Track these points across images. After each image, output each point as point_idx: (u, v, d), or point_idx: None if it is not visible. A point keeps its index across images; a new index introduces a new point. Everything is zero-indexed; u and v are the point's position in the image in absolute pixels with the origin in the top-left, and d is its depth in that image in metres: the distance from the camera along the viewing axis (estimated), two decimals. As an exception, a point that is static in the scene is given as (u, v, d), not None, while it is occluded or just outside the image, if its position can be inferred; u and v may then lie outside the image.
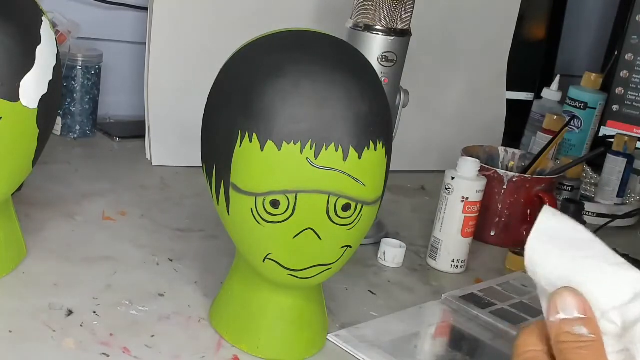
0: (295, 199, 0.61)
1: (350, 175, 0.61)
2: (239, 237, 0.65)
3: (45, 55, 0.69)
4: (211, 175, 0.65)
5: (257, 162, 0.60)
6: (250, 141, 0.60)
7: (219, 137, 0.63)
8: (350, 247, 0.65)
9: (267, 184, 0.60)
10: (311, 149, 0.59)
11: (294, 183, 0.60)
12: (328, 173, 0.60)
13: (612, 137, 1.31)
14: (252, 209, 0.61)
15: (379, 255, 0.94)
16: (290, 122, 0.59)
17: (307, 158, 0.60)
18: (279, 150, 0.60)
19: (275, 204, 0.61)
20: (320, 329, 0.73)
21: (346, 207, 0.62)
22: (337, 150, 0.60)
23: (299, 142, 0.59)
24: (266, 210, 0.61)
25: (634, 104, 1.51)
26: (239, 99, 0.62)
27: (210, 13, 1.16)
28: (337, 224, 0.63)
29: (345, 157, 0.60)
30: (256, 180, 0.61)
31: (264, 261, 0.64)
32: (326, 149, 0.60)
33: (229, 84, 0.64)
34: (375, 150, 0.62)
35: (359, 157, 0.61)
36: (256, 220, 0.62)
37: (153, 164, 1.14)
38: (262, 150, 0.60)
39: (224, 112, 0.63)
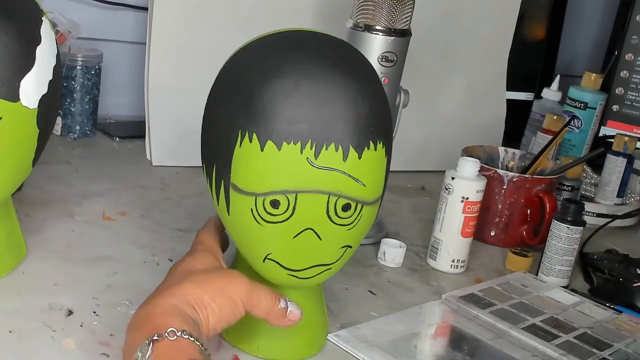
0: (295, 199, 0.61)
1: (350, 175, 0.61)
2: (239, 237, 0.65)
3: (45, 55, 0.69)
4: (211, 175, 0.65)
5: (257, 162, 0.60)
6: (250, 141, 0.60)
7: (219, 137, 0.63)
8: (350, 247, 0.65)
9: (267, 184, 0.60)
10: (311, 149, 0.59)
11: (294, 183, 0.60)
12: (328, 173, 0.60)
13: (612, 137, 1.31)
14: (252, 209, 0.61)
15: (379, 255, 0.94)
16: (290, 122, 0.59)
17: (307, 158, 0.60)
18: (279, 150, 0.60)
19: (275, 204, 0.61)
20: (320, 329, 0.73)
21: (346, 207, 0.62)
22: (337, 150, 0.60)
23: (299, 142, 0.59)
24: (266, 210, 0.61)
25: (634, 104, 1.51)
26: (238, 99, 0.62)
27: (210, 13, 1.16)
28: (337, 224, 0.63)
29: (345, 157, 0.60)
30: (256, 180, 0.61)
31: (264, 261, 0.64)
32: (326, 149, 0.60)
33: (228, 84, 0.64)
34: (375, 150, 0.62)
35: (359, 157, 0.61)
36: (256, 220, 0.62)
37: (153, 164, 1.14)
38: (262, 150, 0.60)
39: (224, 112, 0.63)
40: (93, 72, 1.19)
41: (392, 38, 0.90)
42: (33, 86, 0.67)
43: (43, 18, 0.70)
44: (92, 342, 0.67)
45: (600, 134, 1.49)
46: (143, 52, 1.16)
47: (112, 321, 0.70)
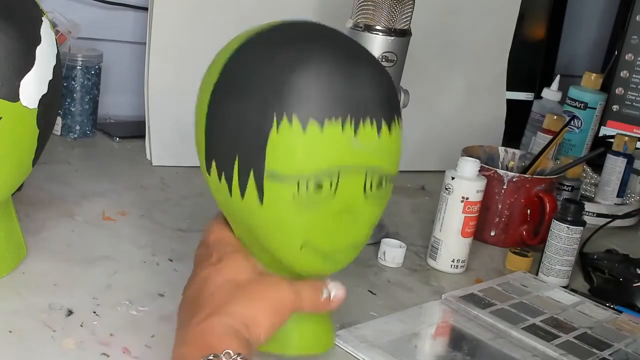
0: (338, 177, 0.60)
1: (384, 151, 0.62)
2: (271, 228, 0.63)
3: (45, 55, 0.69)
4: (230, 170, 0.62)
5: (299, 144, 0.59)
6: (290, 123, 0.59)
7: (242, 127, 0.61)
8: (374, 225, 0.67)
9: (312, 165, 0.60)
10: (351, 125, 0.60)
11: (337, 160, 0.60)
12: (366, 148, 0.61)
13: (612, 137, 1.31)
14: (294, 194, 0.60)
15: (379, 255, 0.94)
16: (329, 100, 0.59)
17: (348, 135, 0.60)
18: (322, 128, 0.59)
19: (319, 184, 0.60)
20: (331, 324, 0.72)
21: (380, 183, 0.63)
22: (372, 125, 0.61)
23: (340, 119, 0.59)
24: (310, 193, 0.60)
25: (634, 104, 1.51)
26: (267, 85, 0.60)
27: (210, 13, 1.16)
28: (371, 200, 0.63)
29: (379, 132, 0.61)
30: (300, 162, 0.60)
31: (301, 249, 0.63)
32: (363, 125, 0.60)
33: (246, 73, 0.63)
34: (398, 125, 0.64)
35: (389, 132, 0.62)
36: (297, 205, 0.60)
37: (153, 164, 1.14)
38: (304, 131, 0.59)
39: (246, 101, 0.61)
40: (93, 72, 1.19)
41: (392, 38, 0.90)
42: (33, 86, 0.67)
43: (43, 18, 0.70)
44: (92, 342, 0.67)
45: (600, 134, 1.49)
46: (143, 52, 1.16)
47: (112, 321, 0.70)
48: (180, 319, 0.65)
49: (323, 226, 0.62)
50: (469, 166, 0.93)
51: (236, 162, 0.62)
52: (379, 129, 0.61)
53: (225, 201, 0.65)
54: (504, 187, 1.04)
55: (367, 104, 0.61)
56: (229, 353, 0.56)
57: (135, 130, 1.22)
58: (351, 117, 0.60)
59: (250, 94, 0.61)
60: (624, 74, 1.51)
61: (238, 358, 0.56)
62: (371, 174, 0.62)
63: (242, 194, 0.62)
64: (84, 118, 1.20)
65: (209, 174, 0.65)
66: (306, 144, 0.59)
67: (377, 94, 0.61)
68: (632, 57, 1.50)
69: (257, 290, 0.63)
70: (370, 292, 0.86)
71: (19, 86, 0.66)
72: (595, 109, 1.40)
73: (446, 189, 0.93)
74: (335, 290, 0.66)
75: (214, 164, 0.64)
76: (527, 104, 1.53)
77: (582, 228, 0.95)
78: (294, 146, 0.59)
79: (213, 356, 0.55)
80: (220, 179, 0.64)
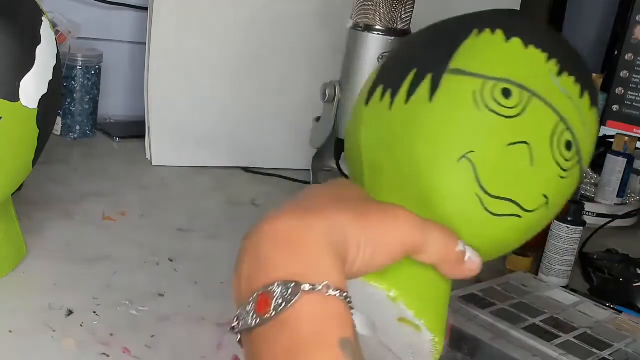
0: (528, 101, 0.56)
1: (582, 117, 0.58)
2: (432, 130, 0.56)
3: (45, 55, 0.69)
4: (399, 83, 0.58)
5: (498, 50, 0.57)
6: (493, 33, 0.57)
7: (430, 42, 0.62)
8: (548, 203, 0.59)
9: (505, 71, 0.56)
10: (555, 65, 0.57)
11: (532, 82, 0.56)
12: (565, 96, 0.57)
13: (612, 137, 1.31)
14: (474, 92, 0.55)
15: (379, 255, 0.94)
16: (538, 32, 0.58)
17: (550, 68, 0.57)
18: (525, 48, 0.57)
19: (507, 93, 0.56)
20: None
21: (569, 146, 0.57)
22: (576, 83, 0.58)
23: (546, 53, 0.57)
24: (494, 97, 0.55)
25: (634, 104, 1.51)
26: (468, 19, 0.61)
27: (210, 13, 1.16)
28: (555, 157, 0.57)
29: (581, 94, 0.58)
30: (493, 64, 0.56)
31: (459, 160, 0.55)
32: (567, 75, 0.57)
33: (431, 31, 0.65)
34: (597, 114, 0.60)
35: (590, 106, 0.59)
36: (473, 105, 0.55)
37: (153, 164, 1.14)
38: (506, 41, 0.57)
39: (445, 28, 0.63)
40: (93, 72, 1.19)
41: (392, 38, 0.90)
42: (33, 86, 0.67)
43: (43, 18, 0.70)
44: (92, 342, 0.67)
45: (600, 134, 1.49)
46: (143, 52, 1.16)
47: (112, 321, 0.70)
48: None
49: (495, 144, 0.55)
50: (469, 166, 0.92)
51: (411, 74, 0.58)
52: (582, 91, 0.58)
53: (378, 123, 0.59)
54: (504, 187, 1.04)
55: (576, 61, 0.59)
56: (328, 285, 0.43)
57: (135, 130, 1.22)
58: (558, 60, 0.57)
59: (451, 25, 0.62)
60: (624, 74, 1.51)
61: (338, 295, 0.43)
62: (562, 127, 0.57)
63: (408, 97, 0.57)
64: (84, 118, 1.20)
65: (368, 103, 0.60)
66: (505, 51, 0.57)
67: (588, 68, 0.60)
68: (632, 57, 1.50)
69: (368, 208, 0.49)
70: (370, 292, 0.86)
71: (19, 86, 0.66)
72: (595, 109, 1.40)
73: (446, 189, 0.93)
74: (471, 254, 0.52)
75: (378, 88, 0.59)
76: (527, 104, 1.52)
77: (582, 228, 0.95)
78: (491, 51, 0.57)
79: (310, 287, 0.42)
80: (382, 97, 0.59)
